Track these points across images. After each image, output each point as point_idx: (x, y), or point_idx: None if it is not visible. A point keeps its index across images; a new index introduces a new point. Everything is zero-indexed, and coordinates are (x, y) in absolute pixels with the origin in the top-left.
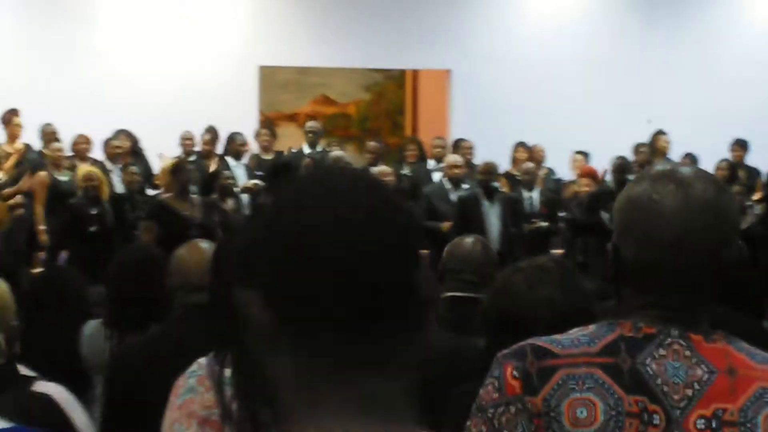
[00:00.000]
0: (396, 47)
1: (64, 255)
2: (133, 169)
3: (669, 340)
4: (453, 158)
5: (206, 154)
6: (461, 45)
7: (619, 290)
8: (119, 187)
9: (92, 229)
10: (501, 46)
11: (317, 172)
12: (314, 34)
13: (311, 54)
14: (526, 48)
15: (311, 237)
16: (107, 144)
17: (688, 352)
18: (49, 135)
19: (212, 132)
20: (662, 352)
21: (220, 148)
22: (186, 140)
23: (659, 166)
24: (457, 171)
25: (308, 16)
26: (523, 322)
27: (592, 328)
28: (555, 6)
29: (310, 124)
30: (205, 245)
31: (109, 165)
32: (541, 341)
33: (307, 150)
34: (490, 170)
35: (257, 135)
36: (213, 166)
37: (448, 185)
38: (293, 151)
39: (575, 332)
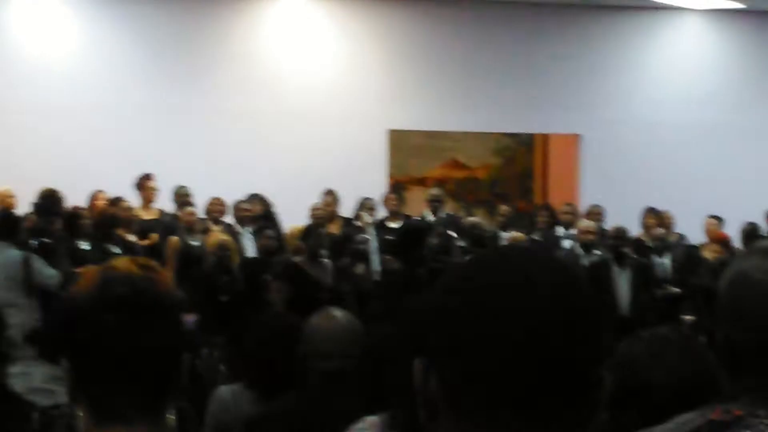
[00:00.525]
0: (526, 112)
1: (191, 318)
2: (269, 233)
3: (756, 420)
4: (585, 223)
5: (329, 217)
6: (591, 109)
7: (731, 373)
8: (249, 251)
9: (223, 298)
10: (631, 111)
11: (497, 250)
12: (444, 98)
13: (441, 118)
14: (656, 112)
15: (493, 312)
16: (237, 207)
17: None
18: (182, 197)
19: (331, 194)
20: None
21: (346, 211)
22: (315, 210)
23: (758, 244)
24: (590, 237)
25: (438, 80)
26: (644, 392)
27: (690, 415)
28: (684, 71)
29: (433, 191)
30: (337, 313)
31: (238, 228)
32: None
33: (430, 217)
34: (620, 236)
35: (385, 199)
36: (335, 229)
37: (579, 250)
38: (416, 218)
39: (675, 420)
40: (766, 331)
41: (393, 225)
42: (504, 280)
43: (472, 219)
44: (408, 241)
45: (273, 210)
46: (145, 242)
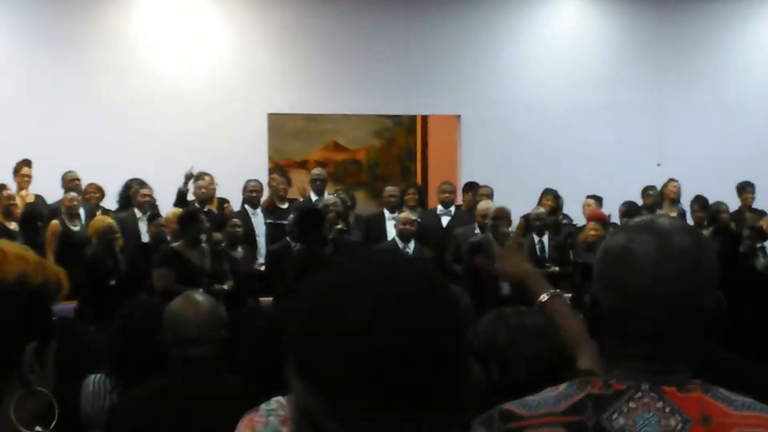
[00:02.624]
0: (405, 93)
1: (72, 305)
2: (161, 220)
3: (639, 393)
4: (485, 206)
5: (207, 198)
6: (470, 90)
7: (600, 342)
8: (145, 237)
9: (111, 282)
10: (510, 91)
11: (360, 252)
12: (323, 81)
13: (320, 101)
14: (535, 93)
15: (355, 314)
16: (137, 192)
17: (660, 403)
18: (69, 183)
19: (208, 176)
20: (632, 405)
21: (224, 193)
22: (200, 188)
23: (638, 218)
24: (484, 220)
25: (317, 63)
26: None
27: (562, 387)
28: (564, 51)
29: (316, 170)
30: (200, 297)
31: (138, 213)
32: (509, 405)
33: (314, 197)
34: (500, 215)
35: (272, 180)
36: (214, 209)
37: (477, 230)
38: (300, 199)
39: (545, 392)
40: (634, 299)
41: (281, 206)
42: (342, 281)
43: (328, 197)
44: (308, 222)
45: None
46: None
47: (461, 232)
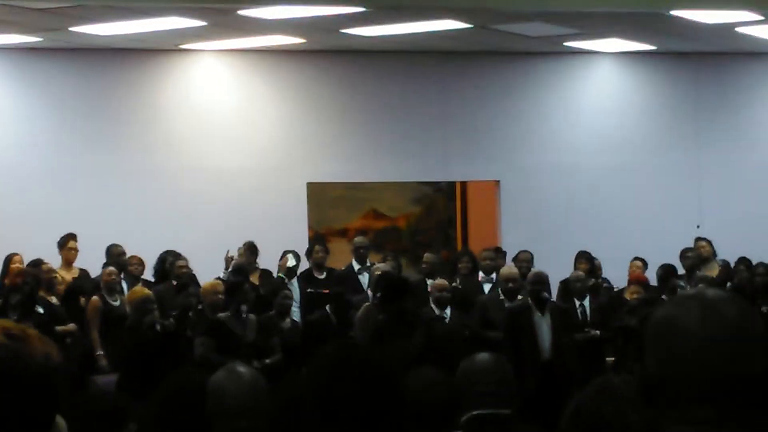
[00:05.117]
0: (444, 160)
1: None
2: (191, 290)
3: None
4: (507, 270)
5: (239, 270)
6: (509, 156)
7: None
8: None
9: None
10: (549, 156)
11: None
12: (362, 149)
13: (360, 169)
14: (574, 157)
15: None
16: (173, 264)
17: None
18: (116, 256)
19: (247, 245)
20: None
21: (264, 262)
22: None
23: (685, 292)
24: (510, 285)
25: (356, 132)
26: None
27: None
28: (602, 116)
29: (359, 239)
30: (242, 369)
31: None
32: None
33: (356, 266)
34: (539, 281)
35: (312, 251)
36: (254, 280)
37: (502, 296)
38: (343, 268)
39: None
40: (681, 364)
41: (320, 276)
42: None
43: (380, 266)
44: (393, 291)
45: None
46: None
47: (485, 299)
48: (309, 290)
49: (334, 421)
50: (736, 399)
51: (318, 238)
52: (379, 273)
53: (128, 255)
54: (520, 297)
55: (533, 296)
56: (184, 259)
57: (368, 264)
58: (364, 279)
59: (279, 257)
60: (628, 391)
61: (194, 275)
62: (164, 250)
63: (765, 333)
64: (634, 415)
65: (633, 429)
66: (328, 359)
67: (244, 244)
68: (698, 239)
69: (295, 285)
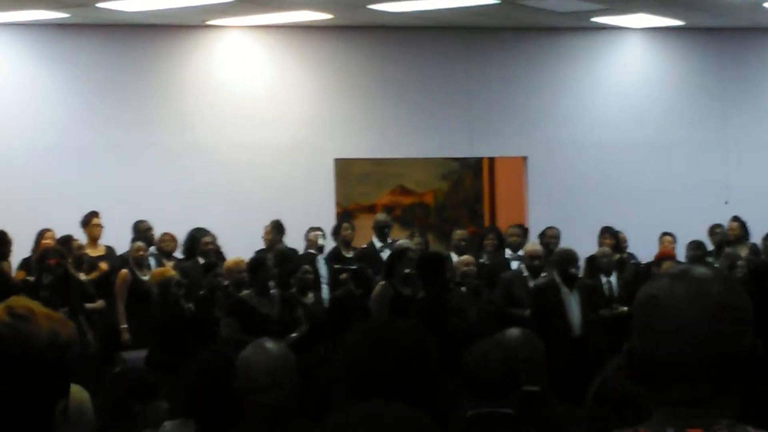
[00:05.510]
0: (471, 136)
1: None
2: (218, 270)
3: None
4: (531, 247)
5: (270, 247)
6: (536, 132)
7: (640, 388)
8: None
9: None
10: (576, 132)
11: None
12: (389, 125)
13: (386, 145)
14: (601, 132)
15: None
16: (199, 241)
17: None
18: (144, 232)
19: (274, 224)
20: None
21: (292, 239)
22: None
23: (675, 267)
24: (535, 262)
25: (383, 108)
26: None
27: None
28: (628, 90)
29: (380, 216)
30: (270, 345)
31: (202, 261)
32: None
33: (377, 243)
34: (567, 257)
35: (339, 228)
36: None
37: (526, 272)
38: (364, 246)
39: None
40: (663, 342)
41: (347, 255)
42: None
43: (402, 242)
44: (429, 268)
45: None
46: (93, 275)
47: (509, 275)
48: (336, 266)
49: (367, 396)
50: (721, 378)
51: (345, 216)
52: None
53: (155, 231)
54: (544, 274)
55: (561, 273)
56: (211, 235)
57: (389, 241)
58: (386, 256)
59: (306, 234)
60: None
61: (221, 252)
62: (192, 227)
63: (750, 310)
64: None
65: None
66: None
67: (271, 223)
68: (732, 219)
69: (321, 262)
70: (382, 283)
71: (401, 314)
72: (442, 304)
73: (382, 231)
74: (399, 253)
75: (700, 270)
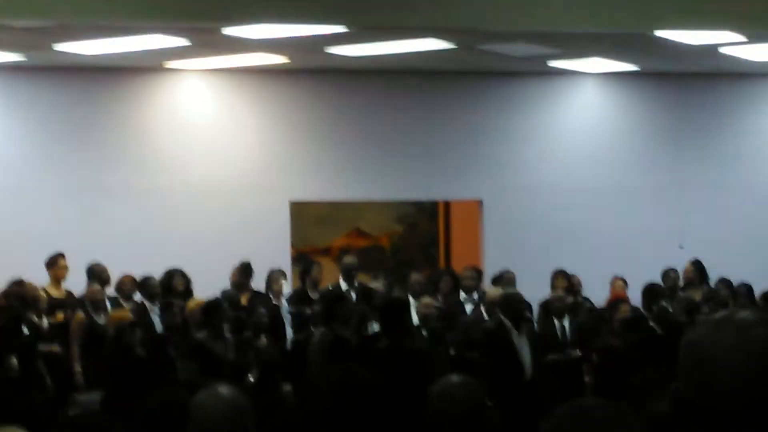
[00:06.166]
0: (426, 179)
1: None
2: (175, 310)
3: None
4: (492, 292)
5: (238, 287)
6: (492, 175)
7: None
8: (158, 327)
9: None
10: (531, 176)
11: None
12: (345, 168)
13: (342, 188)
14: (557, 176)
15: None
16: (146, 284)
17: None
18: (99, 274)
19: (242, 265)
20: None
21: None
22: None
23: (720, 313)
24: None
25: (338, 151)
26: None
27: None
28: (585, 136)
29: (348, 259)
30: (222, 389)
31: (148, 305)
32: None
33: (344, 286)
34: (515, 300)
35: (310, 270)
36: (244, 301)
37: (486, 316)
38: (329, 287)
39: None
40: (716, 393)
41: (314, 296)
42: None
43: (373, 284)
44: (392, 313)
45: (191, 286)
46: (56, 319)
47: (470, 319)
48: (292, 310)
49: None
50: (762, 424)
51: (303, 258)
52: (337, 294)
53: (110, 272)
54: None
55: (511, 316)
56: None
57: (356, 284)
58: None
59: (264, 275)
60: (601, 415)
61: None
62: (148, 268)
63: None
64: None
65: None
66: (330, 381)
67: (240, 264)
68: (690, 263)
69: (284, 304)
70: (322, 329)
71: (344, 358)
72: (409, 350)
73: (349, 274)
74: (337, 297)
75: (746, 315)
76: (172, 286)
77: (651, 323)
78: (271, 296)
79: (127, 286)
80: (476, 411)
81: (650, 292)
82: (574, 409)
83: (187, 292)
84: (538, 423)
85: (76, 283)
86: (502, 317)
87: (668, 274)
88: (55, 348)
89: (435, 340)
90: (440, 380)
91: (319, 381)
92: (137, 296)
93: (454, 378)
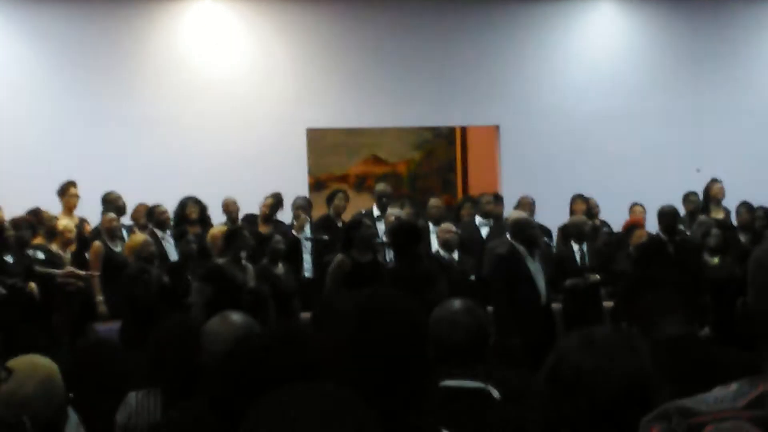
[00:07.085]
0: (443, 105)
1: (114, 326)
2: (190, 237)
3: None
4: (515, 215)
5: (264, 218)
6: (509, 100)
7: (758, 345)
8: (172, 255)
9: (151, 301)
10: (548, 100)
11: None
12: (360, 95)
13: (358, 115)
14: (574, 101)
15: None
16: (156, 211)
17: None
18: (111, 203)
19: (276, 198)
20: None
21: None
22: (229, 204)
23: None
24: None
25: (354, 77)
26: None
27: (734, 386)
28: (600, 58)
29: (380, 186)
30: (234, 316)
31: (159, 233)
32: (684, 402)
33: (376, 212)
34: (525, 224)
35: (334, 198)
36: (267, 231)
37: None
38: (362, 212)
39: (716, 391)
40: None
41: (339, 224)
42: None
43: (393, 211)
44: (405, 239)
45: (207, 213)
46: (70, 248)
47: (494, 245)
48: (317, 237)
49: (360, 367)
50: None
51: (320, 185)
52: (356, 219)
53: (128, 202)
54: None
55: (523, 240)
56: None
57: (387, 211)
58: (381, 226)
59: (293, 203)
60: (610, 343)
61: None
62: (163, 198)
63: None
64: (616, 369)
65: (614, 382)
66: (357, 307)
67: (273, 196)
68: (713, 180)
69: (307, 232)
70: (339, 255)
71: (364, 281)
72: (414, 274)
73: (381, 200)
74: (355, 224)
75: None
76: (186, 214)
77: (668, 247)
78: (293, 226)
79: (141, 214)
80: (477, 337)
81: (664, 214)
82: (581, 338)
83: (202, 220)
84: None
85: (85, 212)
86: (515, 242)
87: (688, 197)
88: (69, 270)
89: (445, 266)
90: (442, 305)
91: (343, 305)
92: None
93: (456, 303)
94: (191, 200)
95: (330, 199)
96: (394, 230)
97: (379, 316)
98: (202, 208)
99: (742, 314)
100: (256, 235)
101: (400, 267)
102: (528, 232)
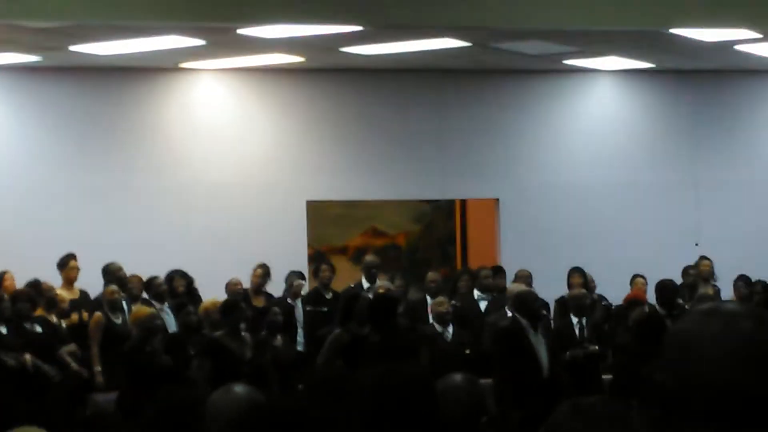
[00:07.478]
0: (443, 178)
1: (113, 397)
2: (190, 309)
3: None
4: (516, 288)
5: (255, 290)
6: (508, 174)
7: (667, 422)
8: (171, 327)
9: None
10: (548, 174)
11: None
12: (361, 167)
13: (359, 187)
14: (573, 174)
15: None
16: (153, 284)
17: None
18: (112, 274)
19: (264, 268)
20: None
21: (272, 288)
22: (234, 285)
23: (706, 305)
24: None
25: (354, 151)
26: None
27: None
28: (600, 132)
29: (369, 258)
30: (238, 389)
31: (157, 305)
32: None
33: (365, 284)
34: (529, 298)
35: (318, 270)
36: (260, 303)
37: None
38: (351, 286)
39: None
40: (696, 385)
41: (327, 296)
42: None
43: (382, 283)
44: (382, 310)
45: (195, 286)
46: (68, 321)
47: (495, 318)
48: (308, 309)
49: None
50: (748, 417)
51: (319, 257)
52: (381, 291)
53: (127, 274)
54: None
55: (526, 314)
56: (188, 277)
57: (377, 283)
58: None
59: (281, 274)
60: (602, 412)
61: (197, 294)
62: (165, 269)
63: None
64: None
65: None
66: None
67: (261, 266)
68: (702, 258)
69: (299, 306)
70: (337, 330)
71: (361, 356)
72: (395, 345)
73: (370, 272)
74: (354, 296)
75: (734, 307)
76: (172, 288)
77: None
78: (288, 298)
79: (135, 285)
80: (475, 411)
81: (663, 288)
82: (574, 407)
83: (189, 294)
84: None
85: (87, 284)
86: (518, 316)
87: (687, 271)
88: (72, 347)
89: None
90: (442, 379)
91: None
92: (144, 296)
93: (456, 377)
94: (178, 273)
95: (316, 273)
96: (371, 303)
97: (399, 393)
98: (189, 282)
99: (657, 393)
100: (251, 306)
101: (380, 339)
102: (531, 305)
